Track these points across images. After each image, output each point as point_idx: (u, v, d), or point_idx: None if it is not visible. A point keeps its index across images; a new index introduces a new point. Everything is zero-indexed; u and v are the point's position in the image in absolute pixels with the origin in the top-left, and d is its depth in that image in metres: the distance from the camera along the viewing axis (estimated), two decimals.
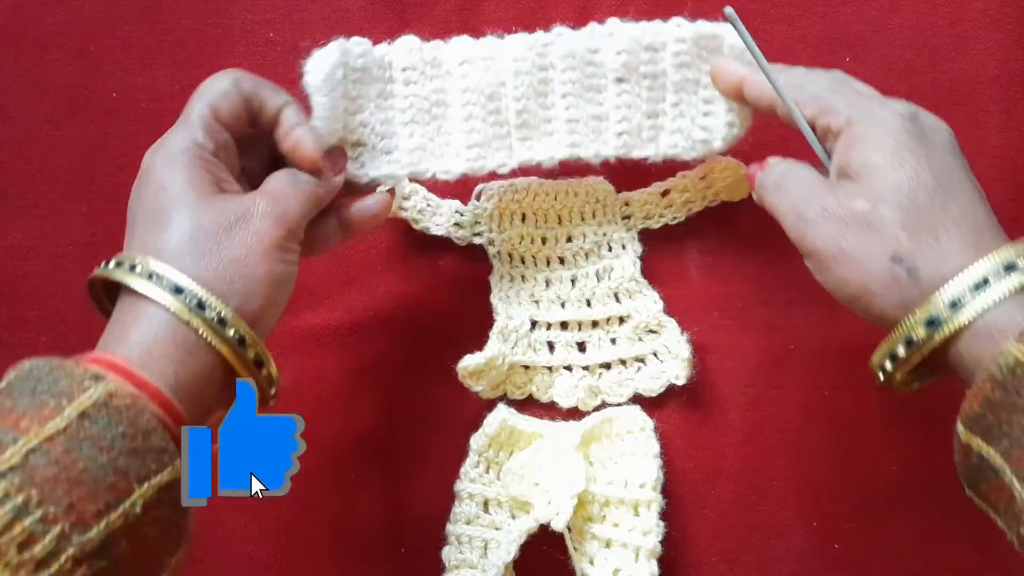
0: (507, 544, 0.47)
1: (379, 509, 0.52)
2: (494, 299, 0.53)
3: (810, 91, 0.40)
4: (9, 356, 0.53)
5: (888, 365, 0.37)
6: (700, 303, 0.53)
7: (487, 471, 0.50)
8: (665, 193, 0.52)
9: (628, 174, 0.53)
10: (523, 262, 0.53)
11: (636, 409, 0.50)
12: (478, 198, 0.53)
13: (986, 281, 0.33)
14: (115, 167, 0.54)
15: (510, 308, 0.52)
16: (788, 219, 0.39)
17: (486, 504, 0.50)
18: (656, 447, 0.50)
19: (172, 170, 0.39)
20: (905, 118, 0.37)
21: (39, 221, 0.54)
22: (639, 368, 0.52)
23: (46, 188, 0.54)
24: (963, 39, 0.52)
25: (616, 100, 0.46)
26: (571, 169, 0.53)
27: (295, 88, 0.54)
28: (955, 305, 0.34)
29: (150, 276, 0.37)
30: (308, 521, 0.53)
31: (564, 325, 0.53)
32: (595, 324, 0.53)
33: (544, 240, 0.53)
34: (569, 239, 0.53)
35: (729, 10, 0.40)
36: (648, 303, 0.52)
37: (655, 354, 0.52)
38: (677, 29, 0.45)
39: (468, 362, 0.50)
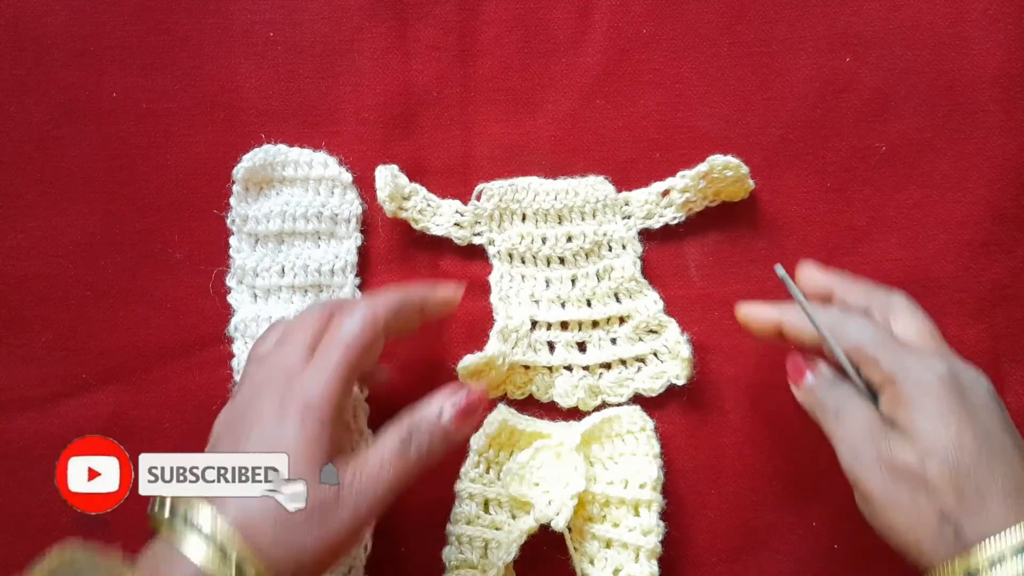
0: (507, 544, 0.47)
1: None
2: (494, 299, 0.53)
3: (852, 339, 0.42)
4: (9, 356, 0.54)
5: None
6: (700, 303, 0.52)
7: (487, 471, 0.50)
8: (665, 193, 0.52)
9: (628, 174, 0.53)
10: (523, 262, 0.53)
11: (636, 409, 0.51)
12: (478, 198, 0.53)
13: None
14: (115, 167, 0.54)
15: (510, 308, 0.52)
16: (844, 454, 0.41)
17: (486, 504, 0.50)
18: (656, 447, 0.50)
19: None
20: (945, 380, 0.39)
21: (39, 221, 0.54)
22: (639, 368, 0.52)
23: (46, 188, 0.54)
24: (963, 39, 0.52)
25: None
26: (571, 169, 0.53)
27: (295, 88, 0.54)
28: (995, 563, 0.36)
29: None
30: None
31: (564, 325, 0.53)
32: (595, 324, 0.53)
33: (544, 240, 0.53)
34: (569, 239, 0.53)
35: (779, 270, 0.43)
36: (648, 303, 0.52)
37: (655, 354, 0.52)
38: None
39: (468, 362, 0.50)
